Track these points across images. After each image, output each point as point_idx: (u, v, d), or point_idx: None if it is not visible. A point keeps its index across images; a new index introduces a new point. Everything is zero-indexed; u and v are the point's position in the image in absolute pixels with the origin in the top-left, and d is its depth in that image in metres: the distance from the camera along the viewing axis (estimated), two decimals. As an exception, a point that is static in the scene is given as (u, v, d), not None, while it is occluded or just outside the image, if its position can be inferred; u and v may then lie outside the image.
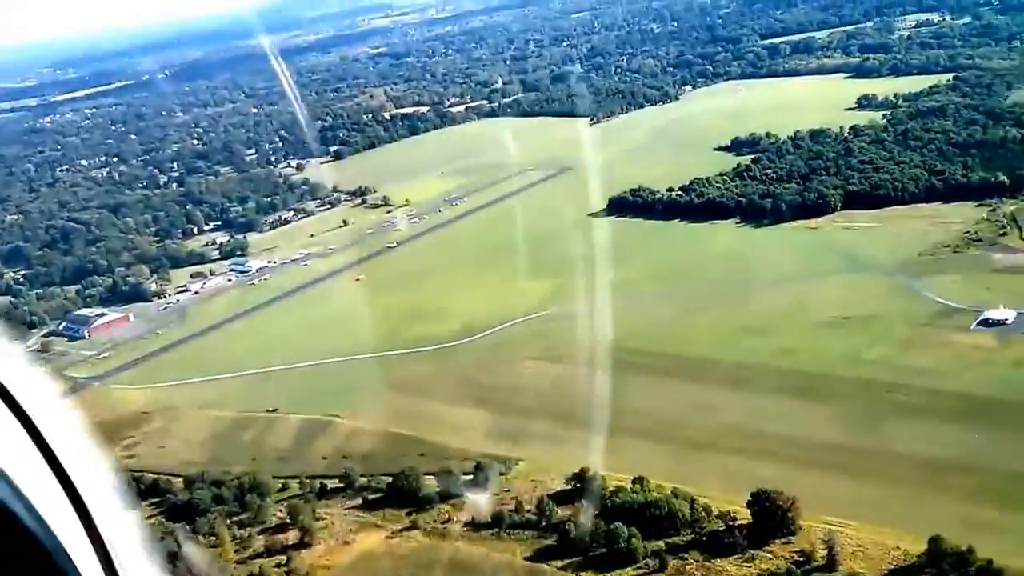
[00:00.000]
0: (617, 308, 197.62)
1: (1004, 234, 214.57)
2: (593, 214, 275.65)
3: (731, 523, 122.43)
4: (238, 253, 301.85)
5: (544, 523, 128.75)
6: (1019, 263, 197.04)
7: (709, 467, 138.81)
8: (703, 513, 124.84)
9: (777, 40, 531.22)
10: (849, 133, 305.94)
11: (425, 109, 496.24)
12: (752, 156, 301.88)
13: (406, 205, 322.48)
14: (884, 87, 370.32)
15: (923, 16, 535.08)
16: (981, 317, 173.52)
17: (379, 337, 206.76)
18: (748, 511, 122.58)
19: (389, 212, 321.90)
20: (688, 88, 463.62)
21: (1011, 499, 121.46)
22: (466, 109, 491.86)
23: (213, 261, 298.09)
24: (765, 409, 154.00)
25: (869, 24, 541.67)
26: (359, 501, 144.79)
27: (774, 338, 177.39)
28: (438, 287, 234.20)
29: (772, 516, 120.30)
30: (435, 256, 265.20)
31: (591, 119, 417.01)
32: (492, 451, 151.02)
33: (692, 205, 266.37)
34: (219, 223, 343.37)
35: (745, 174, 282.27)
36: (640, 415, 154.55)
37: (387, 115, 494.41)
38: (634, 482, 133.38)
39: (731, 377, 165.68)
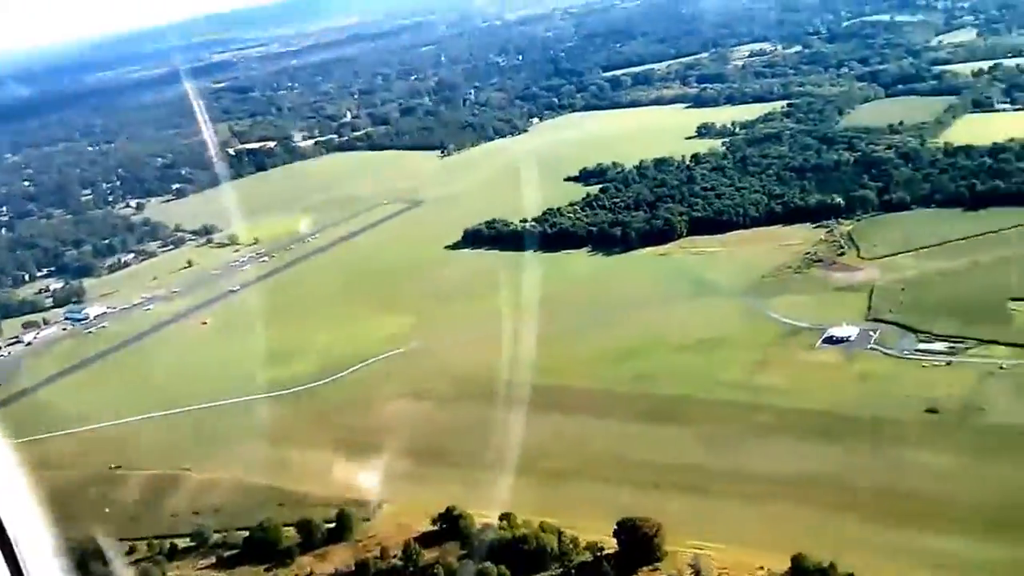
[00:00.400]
0: (477, 340, 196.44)
1: (842, 253, 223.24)
2: (449, 247, 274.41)
3: (599, 554, 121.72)
4: (73, 300, 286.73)
5: (411, 568, 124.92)
6: (857, 281, 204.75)
7: (575, 497, 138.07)
8: (571, 545, 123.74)
9: (618, 72, 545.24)
10: (691, 161, 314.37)
11: (272, 144, 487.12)
12: (600, 186, 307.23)
13: (255, 244, 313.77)
14: (722, 115, 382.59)
15: (756, 46, 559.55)
16: (826, 335, 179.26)
17: (230, 383, 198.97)
18: (615, 540, 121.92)
19: (237, 251, 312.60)
20: (535, 120, 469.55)
21: (867, 511, 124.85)
22: (315, 143, 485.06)
23: (47, 309, 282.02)
24: (628, 436, 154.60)
25: (705, 55, 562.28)
26: (213, 559, 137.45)
27: (634, 364, 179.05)
28: (292, 328, 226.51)
29: (639, 544, 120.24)
30: (287, 296, 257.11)
31: (442, 152, 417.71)
32: (355, 496, 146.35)
33: (546, 235, 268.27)
34: (52, 268, 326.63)
35: (595, 203, 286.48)
36: (504, 448, 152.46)
37: (232, 151, 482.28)
38: (501, 518, 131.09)
39: (594, 405, 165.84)
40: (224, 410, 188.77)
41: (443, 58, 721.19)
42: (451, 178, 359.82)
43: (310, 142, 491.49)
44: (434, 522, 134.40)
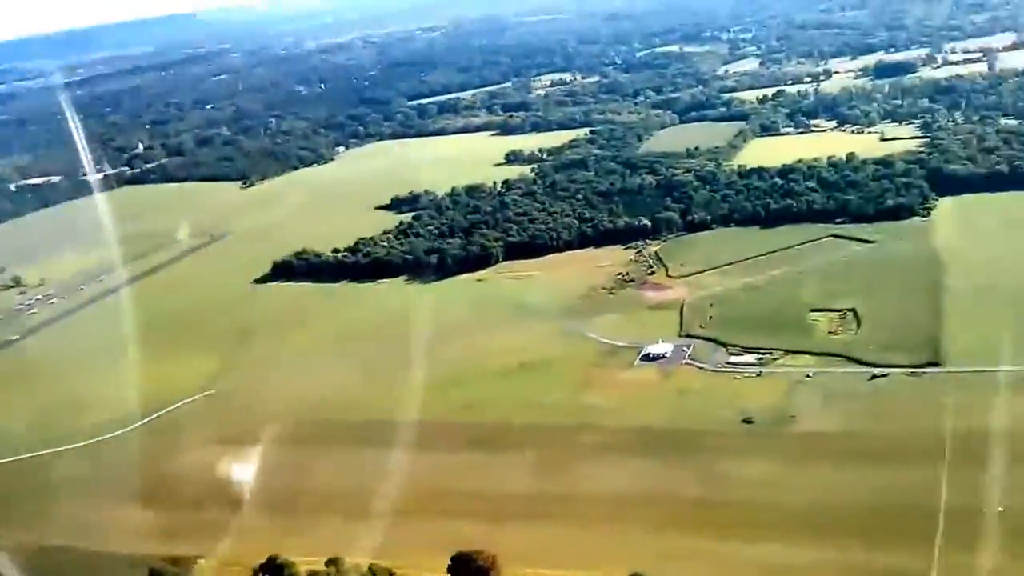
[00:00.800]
0: (292, 377, 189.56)
1: (652, 273, 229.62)
2: (258, 281, 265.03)
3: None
4: None
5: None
6: (668, 299, 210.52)
7: (409, 535, 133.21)
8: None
9: (424, 100, 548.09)
10: (503, 187, 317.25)
11: (57, 179, 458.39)
12: (413, 213, 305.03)
13: (41, 285, 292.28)
14: (529, 143, 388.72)
15: (557, 76, 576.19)
16: (643, 353, 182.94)
17: (21, 438, 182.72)
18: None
19: (22, 294, 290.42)
20: (342, 149, 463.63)
21: (696, 524, 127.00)
22: (105, 177, 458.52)
23: None
24: (460, 467, 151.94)
25: (509, 84, 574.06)
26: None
27: (457, 392, 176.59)
28: (87, 375, 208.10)
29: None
30: (81, 340, 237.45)
31: (245, 182, 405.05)
32: (166, 552, 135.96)
33: (359, 265, 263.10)
34: None
35: (408, 231, 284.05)
36: (327, 490, 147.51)
37: (13, 187, 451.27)
38: (328, 563, 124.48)
39: (422, 437, 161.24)
40: (15, 468, 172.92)
41: (241, 87, 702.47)
42: (256, 209, 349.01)
43: (99, 175, 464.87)
44: (256, 573, 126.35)
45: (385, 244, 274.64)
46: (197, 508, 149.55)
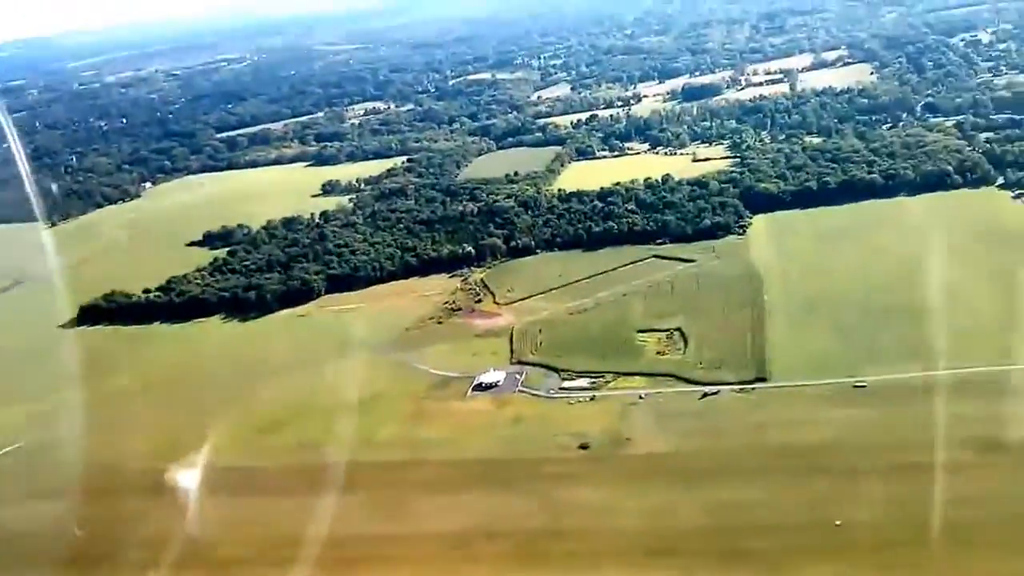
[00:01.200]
0: (105, 427, 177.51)
1: (479, 300, 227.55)
2: (64, 326, 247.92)
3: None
4: None
5: None
6: (497, 326, 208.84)
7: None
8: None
9: (234, 133, 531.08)
10: (320, 219, 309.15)
11: None
12: (228, 249, 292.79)
13: None
14: (345, 173, 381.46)
15: (370, 104, 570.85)
16: (475, 382, 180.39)
17: None
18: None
19: None
20: (148, 185, 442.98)
21: (538, 556, 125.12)
22: None
23: None
24: (294, 511, 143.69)
25: (321, 114, 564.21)
26: None
27: (283, 434, 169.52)
28: None
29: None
30: None
31: (47, 223, 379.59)
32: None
33: (173, 305, 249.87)
34: None
35: (224, 268, 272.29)
36: (157, 543, 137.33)
37: None
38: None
39: (246, 484, 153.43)
40: None
41: (38, 124, 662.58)
42: (60, 250, 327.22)
43: None
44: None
45: (199, 282, 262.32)
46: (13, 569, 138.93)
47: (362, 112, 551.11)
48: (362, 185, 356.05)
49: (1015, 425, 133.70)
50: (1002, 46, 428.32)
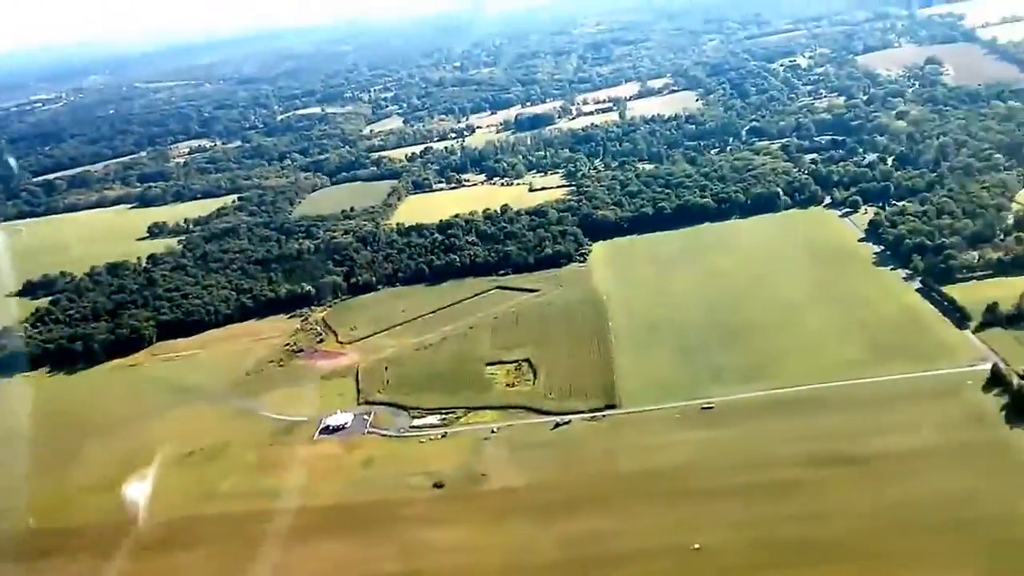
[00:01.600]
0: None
1: (321, 340, 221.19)
2: None
3: None
4: None
5: None
6: (342, 366, 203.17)
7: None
8: None
9: (51, 176, 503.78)
10: (148, 262, 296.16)
11: None
12: (50, 298, 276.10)
13: None
14: (173, 214, 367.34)
15: (195, 143, 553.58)
16: (322, 425, 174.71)
17: None
18: None
19: None
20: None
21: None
22: None
23: None
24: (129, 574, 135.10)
25: (143, 154, 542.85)
26: None
27: (118, 492, 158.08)
28: None
29: None
30: None
31: None
32: None
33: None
34: None
35: (47, 318, 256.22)
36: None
37: None
38: None
39: (81, 545, 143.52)
40: None
41: None
42: None
43: None
44: None
45: (20, 334, 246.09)
46: None
47: (187, 150, 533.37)
48: (191, 226, 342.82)
49: (854, 439, 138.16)
50: (820, 70, 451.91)
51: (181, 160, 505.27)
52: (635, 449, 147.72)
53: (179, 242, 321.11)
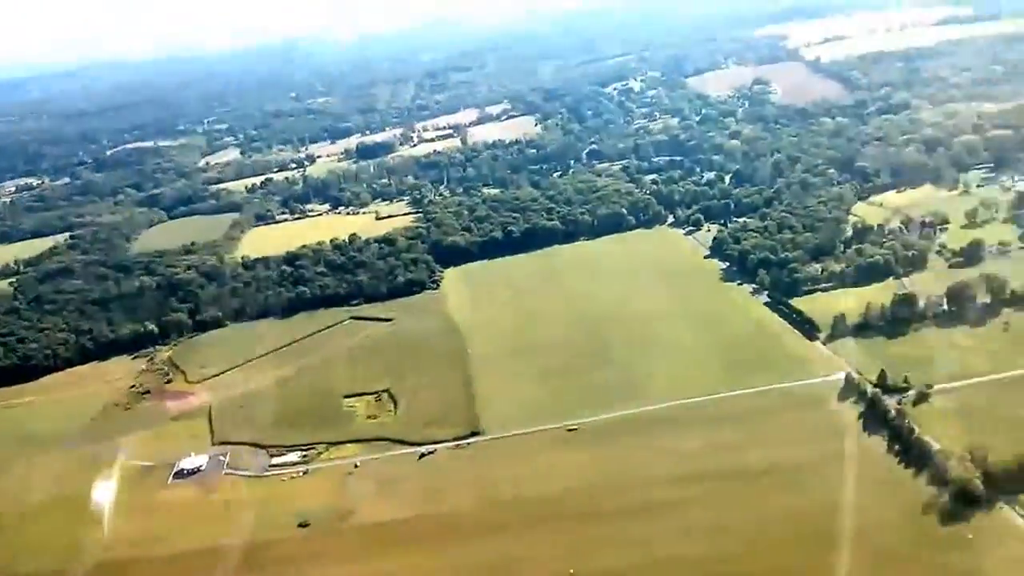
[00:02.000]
0: None
1: (169, 381, 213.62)
2: None
3: None
4: None
5: None
6: (193, 406, 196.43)
7: None
8: None
9: None
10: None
11: None
12: None
13: None
14: (1, 255, 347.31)
15: (22, 180, 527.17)
16: (176, 469, 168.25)
17: None
18: None
19: None
20: None
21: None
22: None
23: None
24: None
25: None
26: None
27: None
28: None
29: None
30: None
31: None
32: None
33: None
34: None
35: None
36: None
37: None
38: None
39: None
40: None
41: None
42: None
43: None
44: None
45: None
46: None
47: (13, 189, 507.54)
48: (22, 267, 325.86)
49: (722, 455, 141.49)
50: (652, 92, 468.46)
51: (7, 199, 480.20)
52: (503, 475, 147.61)
53: (10, 284, 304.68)
